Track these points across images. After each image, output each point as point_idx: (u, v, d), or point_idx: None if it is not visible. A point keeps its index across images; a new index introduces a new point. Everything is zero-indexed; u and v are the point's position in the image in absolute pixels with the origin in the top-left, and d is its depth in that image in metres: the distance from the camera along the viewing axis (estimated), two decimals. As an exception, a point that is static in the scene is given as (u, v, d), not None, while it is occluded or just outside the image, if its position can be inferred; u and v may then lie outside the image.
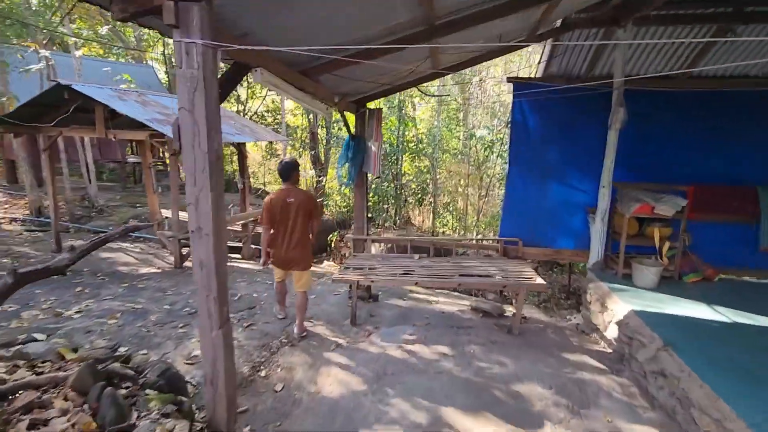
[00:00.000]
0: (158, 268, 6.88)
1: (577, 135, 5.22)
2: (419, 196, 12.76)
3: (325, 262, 10.82)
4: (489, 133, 10.18)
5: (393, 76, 4.61)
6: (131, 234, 9.82)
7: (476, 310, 5.10)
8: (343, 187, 11.91)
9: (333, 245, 11.62)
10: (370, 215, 13.29)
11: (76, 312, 4.26)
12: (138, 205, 12.51)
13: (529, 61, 13.20)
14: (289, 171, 3.84)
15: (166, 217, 7.96)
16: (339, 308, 4.99)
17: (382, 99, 11.18)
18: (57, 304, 4.60)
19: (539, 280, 4.33)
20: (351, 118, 5.22)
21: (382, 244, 8.19)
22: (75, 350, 2.98)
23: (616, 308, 4.11)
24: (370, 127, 5.04)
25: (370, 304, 5.21)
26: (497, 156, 10.89)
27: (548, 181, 5.36)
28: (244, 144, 8.53)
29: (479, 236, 11.25)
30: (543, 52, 5.34)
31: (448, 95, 13.54)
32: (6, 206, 10.45)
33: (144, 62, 18.78)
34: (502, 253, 5.40)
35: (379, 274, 4.61)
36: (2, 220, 9.30)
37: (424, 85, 14.82)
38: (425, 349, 3.91)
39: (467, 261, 5.22)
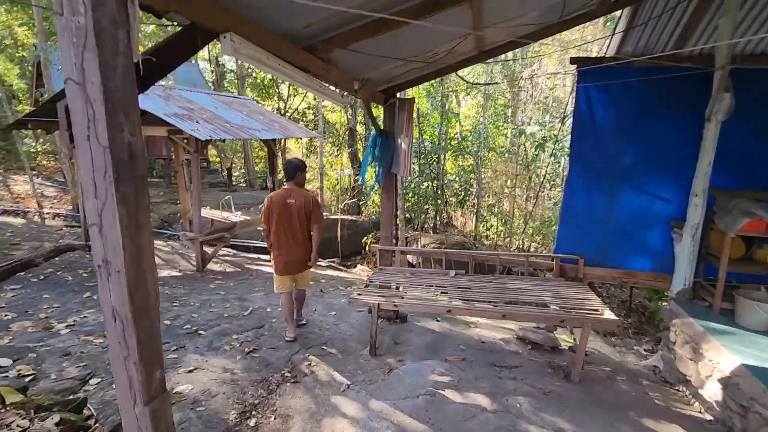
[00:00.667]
0: (179, 270, 6.49)
1: (660, 128, 4.11)
2: (462, 196, 11.77)
3: (358, 267, 10.15)
4: (541, 130, 9.02)
5: (428, 56, 3.79)
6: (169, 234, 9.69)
7: (523, 341, 4.17)
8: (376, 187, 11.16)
9: (368, 248, 10.94)
10: (408, 216, 12.51)
11: (68, 326, 3.81)
12: (179, 202, 12.52)
13: (586, 39, 11.75)
14: (293, 171, 3.65)
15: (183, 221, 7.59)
16: (360, 331, 4.25)
17: (420, 90, 10.31)
18: (57, 312, 4.22)
19: (608, 314, 3.34)
20: (379, 112, 4.45)
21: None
22: (24, 389, 2.45)
23: (717, 358, 3.04)
24: (400, 121, 4.25)
25: (397, 326, 4.43)
26: (550, 154, 9.70)
27: (619, 185, 4.29)
28: (274, 141, 8.02)
29: (528, 248, 10.13)
30: (616, 26, 4.27)
31: (496, 83, 12.39)
32: (54, 201, 10.70)
33: (192, 61, 19.05)
34: (558, 272, 4.41)
35: (405, 295, 3.82)
36: (46, 216, 9.45)
37: (469, 76, 13.72)
38: (458, 397, 3.06)
39: (514, 281, 4.29)
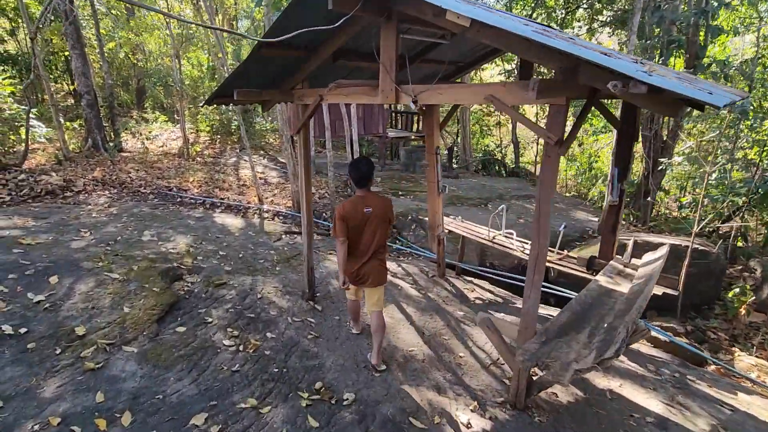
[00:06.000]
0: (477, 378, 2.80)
1: None
2: None
3: (741, 360, 4.95)
4: None
5: None
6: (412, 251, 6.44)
7: None
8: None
9: (736, 303, 5.55)
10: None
11: None
12: (401, 193, 9.40)
13: None
14: (369, 175, 2.96)
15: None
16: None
17: None
18: None
19: None
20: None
21: None
22: None
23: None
24: None
25: None
26: None
27: None
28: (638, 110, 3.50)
29: None
30: None
31: None
32: (275, 191, 8.75)
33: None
34: None
35: None
36: (266, 214, 7.32)
37: None
38: None
39: None
